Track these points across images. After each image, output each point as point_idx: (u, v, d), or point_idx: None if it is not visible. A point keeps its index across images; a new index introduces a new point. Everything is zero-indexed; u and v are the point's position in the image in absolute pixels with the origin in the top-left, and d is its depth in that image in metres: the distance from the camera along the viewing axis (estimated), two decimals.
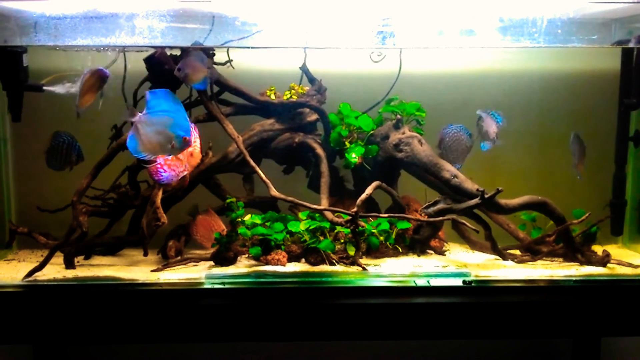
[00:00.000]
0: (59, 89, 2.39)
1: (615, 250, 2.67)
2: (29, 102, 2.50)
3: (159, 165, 2.31)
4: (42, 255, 2.42)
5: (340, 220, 2.40)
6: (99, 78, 2.36)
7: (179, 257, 2.48)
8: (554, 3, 2.37)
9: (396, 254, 2.55)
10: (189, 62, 2.40)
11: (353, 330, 2.19)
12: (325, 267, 2.38)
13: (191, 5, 2.37)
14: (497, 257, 2.55)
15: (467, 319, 2.20)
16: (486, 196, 2.40)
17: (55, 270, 2.35)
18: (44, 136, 2.51)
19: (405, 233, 2.57)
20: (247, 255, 2.46)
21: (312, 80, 2.71)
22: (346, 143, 2.64)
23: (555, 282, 2.33)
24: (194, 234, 2.55)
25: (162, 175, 2.33)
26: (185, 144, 2.21)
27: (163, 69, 2.50)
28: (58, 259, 2.39)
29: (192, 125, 2.34)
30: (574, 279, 2.34)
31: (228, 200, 2.46)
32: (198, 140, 2.37)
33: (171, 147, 2.18)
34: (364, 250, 2.49)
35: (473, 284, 2.30)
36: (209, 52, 2.56)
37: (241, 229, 2.42)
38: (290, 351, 3.16)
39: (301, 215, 2.52)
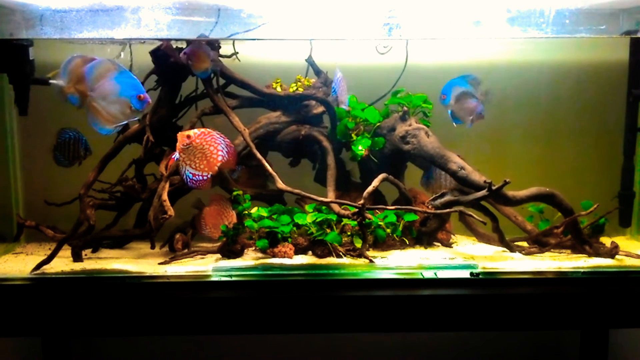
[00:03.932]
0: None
1: (624, 242, 2.66)
2: (35, 95, 2.50)
3: (190, 174, 2.34)
4: (49, 249, 2.43)
5: (347, 212, 2.40)
6: None
7: (186, 250, 2.49)
8: None
9: (403, 246, 2.54)
10: (196, 50, 2.41)
11: (360, 322, 2.19)
12: (332, 260, 2.38)
13: None
14: (505, 249, 2.54)
15: (474, 311, 2.20)
16: (493, 188, 2.39)
17: (63, 263, 2.36)
18: (51, 129, 2.51)
19: (412, 225, 2.56)
20: (254, 248, 2.46)
21: (318, 72, 2.70)
22: (352, 135, 2.63)
23: (563, 273, 2.33)
24: (202, 228, 2.55)
25: (193, 181, 2.36)
26: (143, 100, 2.26)
27: (169, 61, 2.50)
28: (66, 252, 2.39)
29: (219, 134, 2.37)
30: (582, 270, 2.33)
31: (235, 193, 2.45)
32: (223, 145, 2.37)
33: (131, 110, 2.22)
34: (371, 243, 2.49)
35: (480, 276, 2.30)
36: (214, 45, 2.56)
37: (248, 222, 2.42)
38: (297, 343, 3.17)
39: (308, 207, 2.52)
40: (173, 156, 2.37)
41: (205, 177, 2.35)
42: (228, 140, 2.39)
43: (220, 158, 2.35)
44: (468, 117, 2.50)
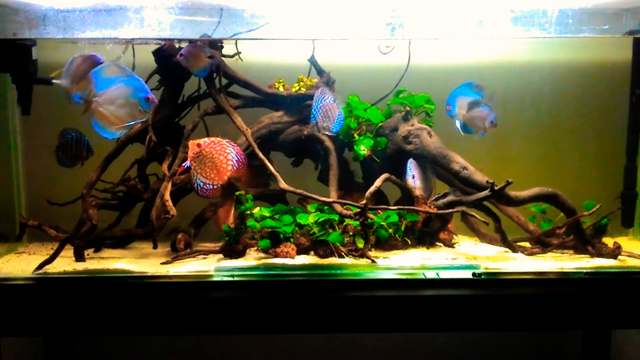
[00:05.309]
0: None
1: (626, 242, 2.65)
2: (38, 95, 2.51)
3: (201, 183, 2.35)
4: (52, 248, 2.43)
5: (349, 212, 2.40)
6: (92, 64, 2.37)
7: (189, 250, 2.49)
8: None
9: (405, 246, 2.54)
10: (191, 49, 2.42)
11: (362, 322, 2.19)
12: (334, 260, 2.38)
13: None
14: (507, 249, 2.54)
15: (476, 312, 2.20)
16: (496, 188, 2.39)
17: (65, 263, 2.36)
18: (54, 129, 2.51)
19: (414, 225, 2.56)
20: (256, 248, 2.46)
21: (320, 72, 2.70)
22: (355, 135, 2.63)
23: (565, 274, 2.32)
24: (220, 227, 2.54)
25: (203, 190, 2.38)
26: (151, 101, 2.28)
27: (171, 61, 2.50)
28: (68, 251, 2.39)
29: (229, 142, 2.38)
30: (584, 271, 2.33)
31: (237, 193, 2.45)
32: (233, 154, 2.38)
33: (139, 112, 2.25)
34: (373, 243, 2.49)
35: (482, 277, 2.29)
36: (217, 45, 2.56)
37: (250, 222, 2.42)
38: (299, 343, 3.17)
39: (310, 207, 2.52)
40: (184, 164, 2.39)
41: (215, 187, 2.37)
42: (238, 148, 2.40)
43: (230, 167, 2.36)
44: (481, 126, 2.50)
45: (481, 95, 2.51)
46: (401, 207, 2.47)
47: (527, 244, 2.59)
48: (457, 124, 2.53)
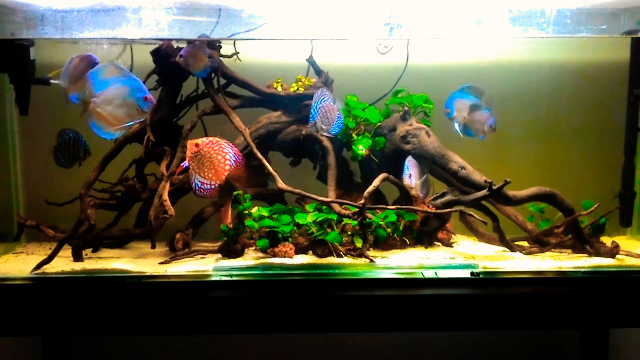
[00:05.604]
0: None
1: (624, 242, 2.65)
2: (36, 95, 2.50)
3: (199, 182, 2.35)
4: (50, 248, 2.43)
5: (347, 212, 2.40)
6: (88, 64, 2.37)
7: (187, 250, 2.49)
8: None
9: (403, 246, 2.54)
10: (191, 50, 2.42)
11: (360, 322, 2.19)
12: (332, 259, 2.38)
13: None
14: (505, 248, 2.54)
15: (475, 311, 2.20)
16: (494, 188, 2.39)
17: (63, 263, 2.36)
18: (52, 129, 2.51)
19: (412, 225, 2.56)
20: (254, 248, 2.46)
21: (318, 72, 2.70)
22: (353, 135, 2.63)
23: (563, 273, 2.33)
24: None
25: (201, 190, 2.39)
26: (149, 101, 2.29)
27: (170, 61, 2.50)
28: (66, 251, 2.39)
29: (227, 142, 2.40)
30: (582, 270, 2.33)
31: (235, 193, 2.46)
32: (231, 154, 2.38)
33: (137, 112, 2.26)
34: (372, 242, 2.49)
35: (481, 276, 2.30)
36: (215, 45, 2.56)
37: (248, 222, 2.42)
38: (297, 343, 3.17)
39: (308, 207, 2.52)
40: (182, 164, 2.40)
41: (213, 186, 2.37)
42: (236, 149, 2.40)
43: (227, 167, 2.36)
44: (480, 130, 2.50)
45: (479, 98, 2.52)
46: (399, 206, 2.47)
47: (525, 243, 2.59)
48: (456, 126, 2.53)
